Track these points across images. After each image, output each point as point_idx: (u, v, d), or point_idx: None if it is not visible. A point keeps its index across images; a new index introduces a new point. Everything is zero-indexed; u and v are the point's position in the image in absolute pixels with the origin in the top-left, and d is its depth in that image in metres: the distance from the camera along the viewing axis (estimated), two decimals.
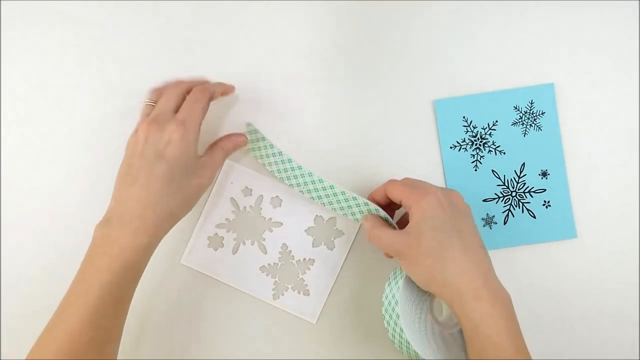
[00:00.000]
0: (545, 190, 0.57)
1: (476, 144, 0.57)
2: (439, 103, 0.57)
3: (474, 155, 0.57)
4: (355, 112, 0.58)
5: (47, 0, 0.58)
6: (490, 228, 0.57)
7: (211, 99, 0.51)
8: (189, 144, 0.48)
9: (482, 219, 0.57)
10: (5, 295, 0.57)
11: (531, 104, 0.57)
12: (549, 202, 0.57)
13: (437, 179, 0.57)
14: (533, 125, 0.57)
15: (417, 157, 0.58)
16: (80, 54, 0.58)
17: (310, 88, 0.58)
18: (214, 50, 0.58)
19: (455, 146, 0.57)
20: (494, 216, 0.57)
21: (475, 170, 0.57)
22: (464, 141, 0.57)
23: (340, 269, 0.57)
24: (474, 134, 0.57)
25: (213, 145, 0.53)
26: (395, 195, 0.49)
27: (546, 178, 0.57)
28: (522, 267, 0.57)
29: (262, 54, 0.58)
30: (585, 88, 0.58)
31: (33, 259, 0.57)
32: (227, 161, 0.58)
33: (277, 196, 0.57)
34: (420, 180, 0.50)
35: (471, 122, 0.57)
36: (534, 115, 0.57)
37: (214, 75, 0.56)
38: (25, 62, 0.58)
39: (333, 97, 0.58)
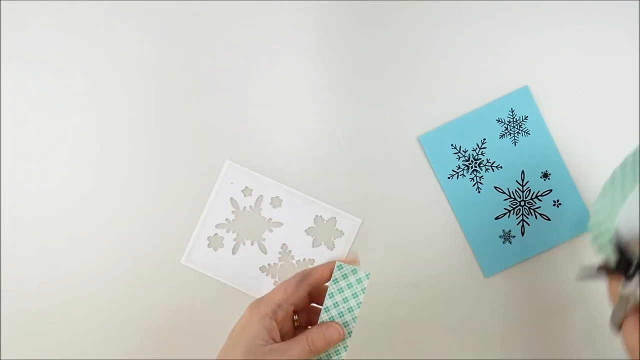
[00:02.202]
0: (551, 190, 0.57)
1: (472, 167, 0.57)
2: (424, 138, 0.58)
3: (472, 179, 0.57)
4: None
5: (47, 0, 0.59)
6: (510, 243, 0.57)
7: (303, 280, 0.44)
8: (253, 322, 0.43)
9: (500, 236, 0.57)
10: (5, 295, 0.58)
11: (512, 112, 0.57)
12: (558, 200, 0.57)
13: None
14: (520, 131, 0.57)
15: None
16: (80, 54, 0.59)
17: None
18: (213, 50, 0.59)
19: (452, 175, 0.58)
20: (510, 230, 0.57)
21: (479, 192, 0.57)
22: (459, 168, 0.57)
23: None
24: (466, 158, 0.57)
25: (299, 335, 0.43)
26: None
27: (548, 178, 0.57)
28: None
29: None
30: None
31: (33, 259, 0.58)
32: (227, 161, 0.58)
33: (277, 196, 0.58)
34: None
35: (460, 147, 0.58)
36: (518, 121, 0.57)
37: (212, 74, 0.58)
38: (25, 62, 0.59)
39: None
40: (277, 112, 0.59)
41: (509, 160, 0.57)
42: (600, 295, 0.57)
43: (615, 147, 0.57)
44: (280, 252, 0.57)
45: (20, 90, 0.59)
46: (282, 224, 0.58)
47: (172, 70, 0.59)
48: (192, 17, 0.59)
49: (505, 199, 0.57)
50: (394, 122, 0.58)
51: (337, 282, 0.43)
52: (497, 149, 0.57)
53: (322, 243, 0.57)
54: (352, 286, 0.43)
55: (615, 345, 0.56)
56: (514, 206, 0.57)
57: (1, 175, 0.59)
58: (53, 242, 0.58)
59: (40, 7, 0.60)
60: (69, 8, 0.59)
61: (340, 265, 0.43)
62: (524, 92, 0.57)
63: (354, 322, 0.43)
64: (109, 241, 0.58)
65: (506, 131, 0.57)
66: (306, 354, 0.42)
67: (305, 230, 0.57)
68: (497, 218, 0.57)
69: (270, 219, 0.57)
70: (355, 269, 0.43)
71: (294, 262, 0.57)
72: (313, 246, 0.57)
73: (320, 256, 0.57)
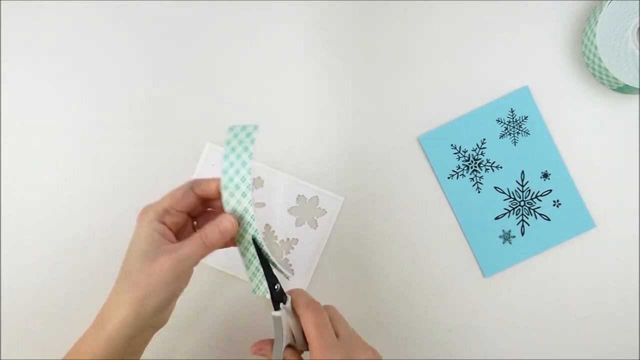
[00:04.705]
0: (551, 190, 0.57)
1: (472, 167, 0.57)
2: (424, 138, 0.58)
3: (472, 179, 0.57)
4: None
5: (47, 0, 0.60)
6: (510, 243, 0.57)
7: (191, 188, 0.44)
8: (143, 227, 0.42)
9: (500, 236, 0.57)
10: (5, 295, 0.58)
11: (512, 112, 0.57)
12: (558, 200, 0.57)
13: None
14: (520, 131, 0.57)
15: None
16: (80, 55, 0.60)
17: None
18: (212, 50, 0.59)
19: (452, 175, 0.58)
20: (510, 230, 0.57)
21: (479, 192, 0.57)
22: (459, 168, 0.57)
23: (324, 247, 0.57)
24: (466, 158, 0.57)
25: (192, 231, 0.44)
26: (304, 325, 0.42)
27: (548, 178, 0.57)
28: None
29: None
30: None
31: (33, 259, 0.58)
32: (208, 144, 0.58)
33: (259, 177, 0.58)
34: (332, 325, 0.43)
35: (460, 147, 0.58)
36: (518, 122, 0.57)
37: (212, 75, 0.58)
38: (25, 63, 0.60)
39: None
40: (274, 111, 0.59)
41: (509, 160, 0.57)
42: (599, 294, 0.57)
43: (615, 147, 0.57)
44: (263, 233, 0.57)
45: (20, 90, 0.60)
46: (264, 204, 0.57)
47: (171, 72, 0.59)
48: (191, 18, 0.59)
49: (505, 199, 0.57)
50: (394, 122, 0.58)
51: (230, 142, 0.42)
52: (497, 149, 0.57)
53: (305, 222, 0.57)
54: (242, 142, 0.42)
55: (616, 346, 0.57)
56: (514, 206, 0.57)
57: (1, 175, 0.59)
58: (53, 242, 0.58)
59: (40, 7, 0.60)
60: (70, 10, 0.60)
61: (231, 127, 0.42)
62: (524, 92, 0.57)
63: (248, 184, 0.42)
64: (102, 233, 0.58)
65: (506, 131, 0.57)
66: (201, 249, 0.41)
67: (288, 210, 0.57)
68: (497, 218, 0.57)
69: (253, 199, 0.57)
70: (244, 126, 0.42)
71: (277, 242, 0.57)
72: (296, 225, 0.57)
73: (304, 235, 0.57)
